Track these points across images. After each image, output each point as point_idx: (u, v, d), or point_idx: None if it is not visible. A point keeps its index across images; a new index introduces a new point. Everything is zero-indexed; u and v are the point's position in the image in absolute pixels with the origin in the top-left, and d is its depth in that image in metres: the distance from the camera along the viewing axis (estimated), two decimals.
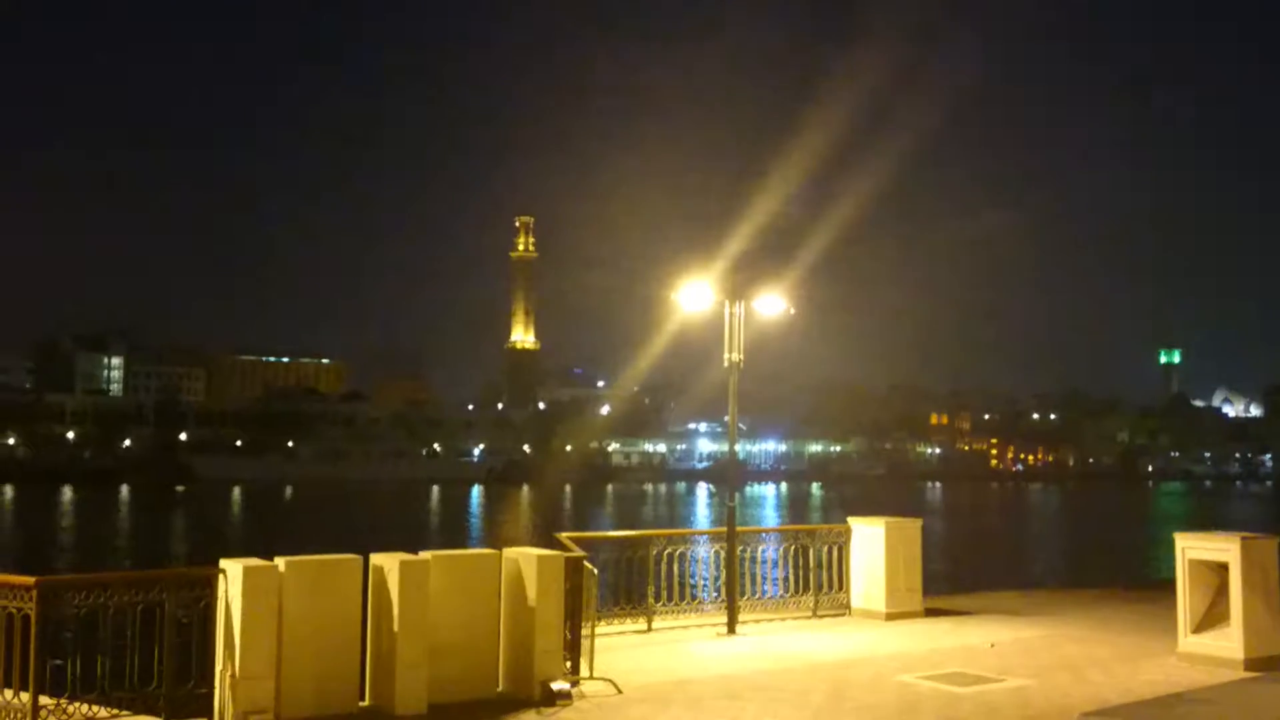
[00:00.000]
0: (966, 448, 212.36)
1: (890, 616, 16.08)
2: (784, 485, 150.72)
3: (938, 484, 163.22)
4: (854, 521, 16.91)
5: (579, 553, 12.41)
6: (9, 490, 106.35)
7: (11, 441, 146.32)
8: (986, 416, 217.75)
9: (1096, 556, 53.68)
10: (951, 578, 34.94)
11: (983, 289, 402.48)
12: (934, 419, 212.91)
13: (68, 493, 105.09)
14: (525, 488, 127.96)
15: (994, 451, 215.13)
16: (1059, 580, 39.78)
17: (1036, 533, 78.08)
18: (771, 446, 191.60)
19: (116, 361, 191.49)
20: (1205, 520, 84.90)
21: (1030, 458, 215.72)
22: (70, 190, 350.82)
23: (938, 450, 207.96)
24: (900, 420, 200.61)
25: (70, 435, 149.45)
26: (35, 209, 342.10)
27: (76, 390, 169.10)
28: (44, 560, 47.31)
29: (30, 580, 9.37)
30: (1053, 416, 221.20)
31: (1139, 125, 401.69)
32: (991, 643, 14.40)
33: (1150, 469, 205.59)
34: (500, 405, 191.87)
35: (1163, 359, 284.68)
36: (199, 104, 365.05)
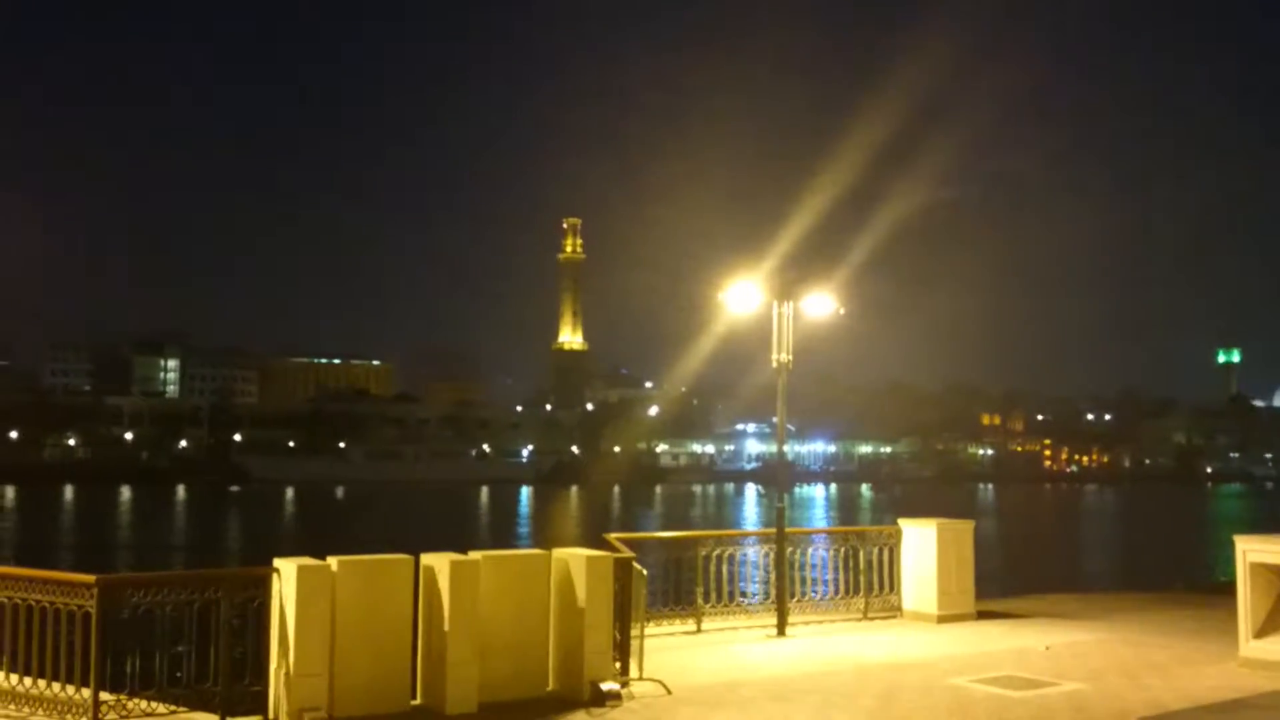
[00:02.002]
0: (1020, 449, 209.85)
1: (942, 619, 15.93)
2: (833, 486, 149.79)
3: (990, 485, 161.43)
4: (905, 523, 16.77)
5: (628, 553, 12.42)
6: (69, 490, 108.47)
7: (72, 442, 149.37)
8: (1040, 417, 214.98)
9: (1153, 559, 52.71)
10: (1004, 580, 34.49)
11: (1038, 288, 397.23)
12: (986, 420, 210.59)
13: (126, 492, 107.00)
14: (574, 488, 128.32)
15: (1048, 453, 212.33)
16: (1115, 583, 39.14)
17: (1091, 535, 76.95)
18: (821, 447, 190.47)
19: (172, 364, 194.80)
20: (1266, 522, 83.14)
21: (1085, 459, 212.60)
22: (125, 194, 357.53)
23: (990, 451, 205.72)
24: (952, 421, 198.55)
25: (128, 436, 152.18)
26: (91, 215, 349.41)
27: (134, 392, 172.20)
28: (103, 559, 48.16)
29: (91, 579, 9.56)
30: (1108, 417, 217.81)
31: (1196, 123, 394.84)
32: (1046, 646, 14.21)
33: (1209, 470, 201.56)
34: (548, 406, 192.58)
35: (1221, 358, 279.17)
36: (247, 107, 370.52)
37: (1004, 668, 12.87)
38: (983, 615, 16.44)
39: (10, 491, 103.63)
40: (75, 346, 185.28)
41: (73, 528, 74.43)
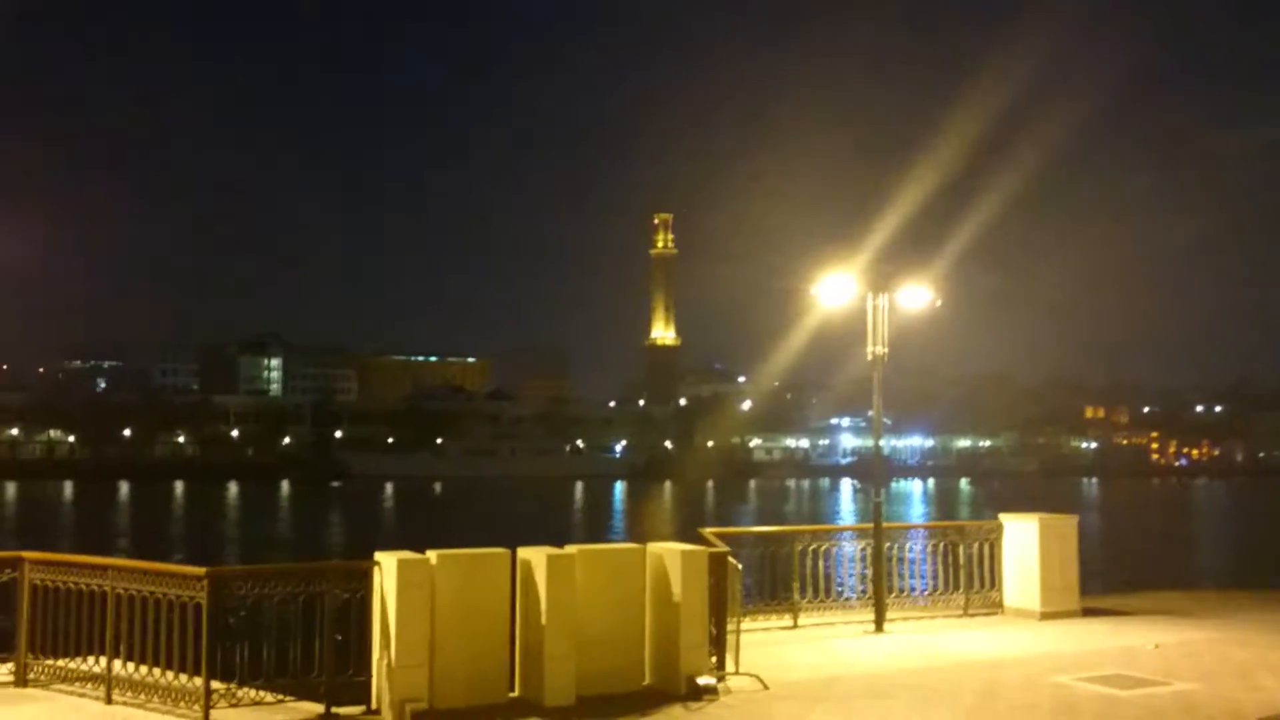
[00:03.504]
0: (1125, 442, 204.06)
1: (1045, 616, 15.59)
2: (931, 481, 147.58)
3: (1094, 480, 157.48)
4: (1006, 518, 16.45)
5: (723, 548, 12.38)
6: (179, 486, 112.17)
7: (181, 440, 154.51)
8: (1147, 409, 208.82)
9: (1267, 556, 50.86)
10: (1110, 576, 33.64)
11: (1147, 278, 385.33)
12: (1090, 412, 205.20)
13: (233, 488, 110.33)
14: (667, 483, 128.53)
15: (1155, 446, 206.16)
16: (1227, 581, 37.82)
17: (1202, 530, 74.53)
18: (918, 442, 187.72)
19: (275, 364, 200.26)
20: None
21: (1194, 452, 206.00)
22: (226, 200, 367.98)
23: (1094, 445, 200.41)
24: (1054, 414, 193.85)
25: (235, 434, 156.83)
26: (196, 220, 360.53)
27: (239, 391, 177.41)
28: (212, 552, 49.72)
29: (201, 571, 9.89)
30: (1219, 408, 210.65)
31: None
32: (1155, 644, 13.82)
33: None
34: (641, 402, 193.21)
35: None
36: (348, 109, 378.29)
37: (1110, 666, 12.54)
38: (1088, 612, 16.05)
39: (124, 487, 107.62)
40: (183, 348, 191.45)
41: (183, 522, 76.96)
